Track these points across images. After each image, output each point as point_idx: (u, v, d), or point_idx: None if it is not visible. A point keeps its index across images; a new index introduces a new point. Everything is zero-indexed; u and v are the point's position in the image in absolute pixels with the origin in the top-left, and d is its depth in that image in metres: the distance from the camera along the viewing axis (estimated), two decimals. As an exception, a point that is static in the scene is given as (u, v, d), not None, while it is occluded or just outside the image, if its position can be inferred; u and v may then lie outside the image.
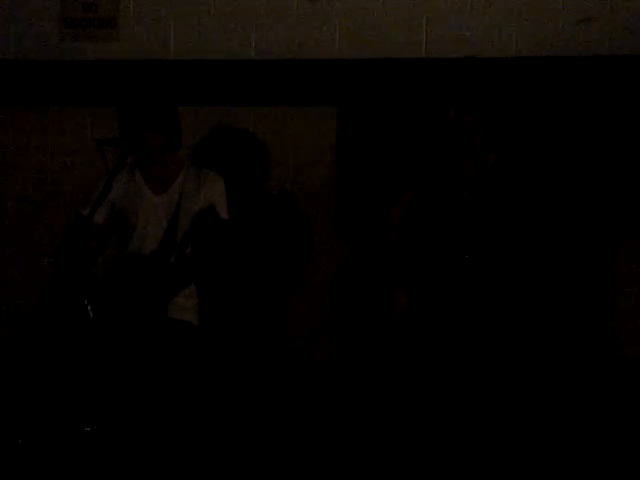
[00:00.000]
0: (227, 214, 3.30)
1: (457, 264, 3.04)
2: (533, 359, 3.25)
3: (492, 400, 2.99)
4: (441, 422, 3.00)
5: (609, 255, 3.73)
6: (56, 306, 3.21)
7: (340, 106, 4.00)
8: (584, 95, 3.75)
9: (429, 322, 3.04)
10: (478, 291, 3.02)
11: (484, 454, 3.00)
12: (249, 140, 4.01)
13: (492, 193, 3.11)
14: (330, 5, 4.01)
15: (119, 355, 3.14)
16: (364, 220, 3.88)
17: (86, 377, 3.13)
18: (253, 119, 4.06)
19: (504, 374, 3.04)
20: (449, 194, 3.15)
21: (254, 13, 4.05)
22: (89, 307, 3.07)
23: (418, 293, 3.09)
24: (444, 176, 3.19)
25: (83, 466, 3.09)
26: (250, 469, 3.46)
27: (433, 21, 3.92)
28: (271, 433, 3.64)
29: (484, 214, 3.08)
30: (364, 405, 3.27)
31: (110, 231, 3.38)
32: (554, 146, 3.64)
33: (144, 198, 3.34)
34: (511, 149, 3.20)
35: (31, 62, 4.16)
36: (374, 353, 3.15)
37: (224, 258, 3.07)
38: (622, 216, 3.66)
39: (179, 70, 4.06)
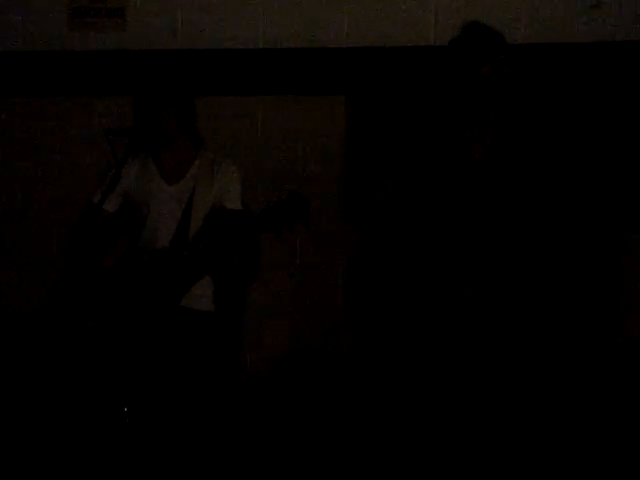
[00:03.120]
0: (240, 204, 3.29)
1: (469, 253, 2.99)
2: (543, 351, 3.23)
3: (504, 399, 2.96)
4: (450, 422, 2.97)
5: (617, 244, 3.72)
6: (66, 295, 3.20)
7: (349, 95, 3.98)
8: (593, 82, 3.74)
9: (443, 315, 2.99)
10: (498, 277, 2.97)
11: (493, 458, 2.97)
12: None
13: (499, 170, 3.03)
14: (338, -6, 4.00)
15: (131, 346, 3.13)
16: (372, 209, 3.87)
17: (99, 369, 3.13)
18: (262, 108, 4.06)
19: (517, 367, 3.01)
20: (455, 172, 3.05)
21: (262, 2, 4.04)
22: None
23: (432, 282, 3.03)
24: (449, 152, 3.08)
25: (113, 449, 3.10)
26: (261, 463, 3.46)
27: (442, 8, 3.91)
28: (281, 428, 3.65)
29: (493, 192, 3.00)
30: (375, 402, 3.26)
31: (123, 220, 3.37)
32: (562, 133, 3.62)
33: (157, 187, 3.32)
34: (519, 130, 3.12)
35: (39, 52, 4.15)
36: (391, 349, 3.11)
37: (237, 249, 3.06)
38: (630, 206, 3.65)
39: (187, 59, 4.04)
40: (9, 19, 4.16)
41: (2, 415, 3.55)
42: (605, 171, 3.64)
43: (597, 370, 3.53)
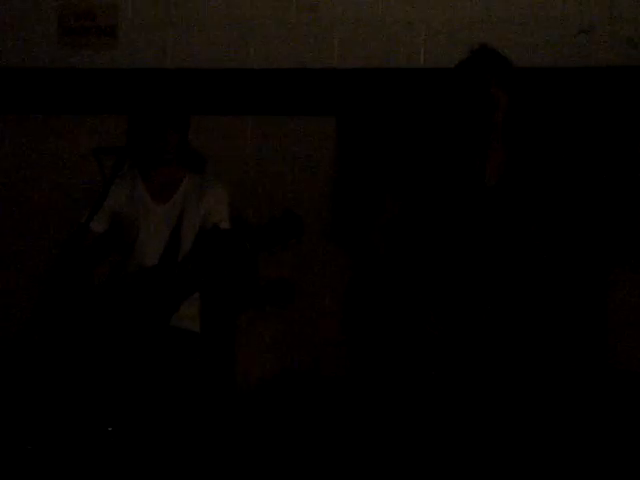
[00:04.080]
0: (229, 223, 3.29)
1: (479, 276, 2.94)
2: (535, 370, 3.22)
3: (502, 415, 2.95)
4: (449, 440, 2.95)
5: (609, 272, 3.72)
6: (53, 313, 3.19)
7: (339, 116, 3.98)
8: (583, 108, 3.75)
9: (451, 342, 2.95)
10: (506, 300, 2.93)
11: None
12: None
13: (504, 195, 2.99)
14: (329, 14, 4.00)
15: (121, 364, 3.12)
16: (361, 229, 3.87)
17: (89, 386, 3.11)
18: (252, 128, 4.05)
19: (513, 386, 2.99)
20: (463, 195, 3.00)
21: (253, 22, 4.04)
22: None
23: (439, 310, 2.99)
24: (460, 177, 3.03)
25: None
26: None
27: (432, 31, 3.92)
28: (270, 448, 3.63)
29: (503, 215, 2.96)
30: (372, 423, 3.25)
31: (112, 241, 3.36)
32: (552, 159, 3.62)
33: (146, 207, 3.32)
34: (528, 156, 3.08)
35: (29, 70, 4.14)
36: (390, 367, 3.10)
37: (226, 268, 3.06)
38: (622, 234, 3.65)
39: (177, 79, 4.04)
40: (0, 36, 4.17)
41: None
42: (595, 202, 3.64)
43: (583, 397, 3.53)
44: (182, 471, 3.16)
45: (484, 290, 2.96)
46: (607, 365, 3.69)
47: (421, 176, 3.09)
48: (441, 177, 3.05)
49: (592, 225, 3.12)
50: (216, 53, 4.06)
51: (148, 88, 3.93)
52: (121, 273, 3.27)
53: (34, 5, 4.16)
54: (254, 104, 4.04)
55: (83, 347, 3.16)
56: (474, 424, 2.91)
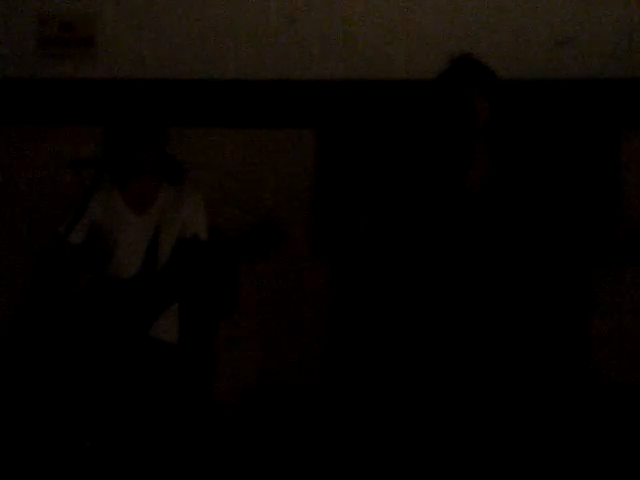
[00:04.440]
0: (207, 234, 3.28)
1: (460, 281, 2.93)
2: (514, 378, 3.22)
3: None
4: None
5: (589, 279, 3.74)
6: (31, 324, 3.17)
7: (319, 128, 3.99)
8: (559, 120, 3.77)
9: (431, 345, 2.95)
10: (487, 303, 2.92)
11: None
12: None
13: (488, 202, 2.99)
14: (309, 26, 4.01)
15: (99, 377, 3.09)
16: (343, 243, 3.87)
17: (67, 398, 3.09)
18: (231, 140, 4.05)
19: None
20: (446, 204, 3.00)
21: (233, 33, 4.05)
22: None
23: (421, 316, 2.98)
24: (440, 183, 3.03)
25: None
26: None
27: (413, 42, 3.93)
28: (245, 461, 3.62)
29: (484, 225, 2.98)
30: (355, 430, 3.23)
31: (89, 251, 3.35)
32: (532, 166, 3.62)
33: (123, 218, 3.31)
34: (510, 164, 3.09)
35: (8, 80, 4.12)
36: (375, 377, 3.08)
37: (204, 279, 3.05)
38: (599, 242, 3.67)
39: (156, 89, 4.03)
40: (-23, 46, 4.15)
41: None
42: (575, 206, 3.66)
43: (566, 406, 3.54)
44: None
45: (468, 295, 2.96)
46: (591, 376, 3.70)
47: (402, 186, 3.09)
48: (422, 186, 3.05)
49: (568, 230, 3.12)
50: (195, 64, 4.06)
51: (127, 99, 3.92)
52: (98, 284, 3.25)
53: (13, 15, 4.15)
54: (233, 116, 4.03)
55: (61, 358, 3.14)
56: (458, 431, 2.91)
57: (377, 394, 3.05)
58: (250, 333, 3.99)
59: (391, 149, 3.87)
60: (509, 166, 3.06)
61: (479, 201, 2.98)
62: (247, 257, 3.01)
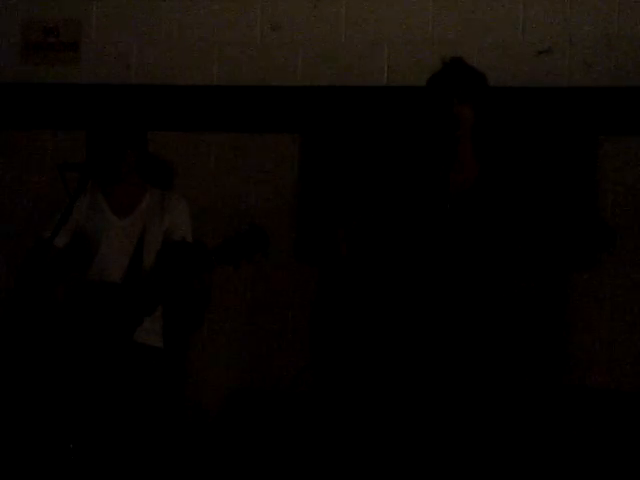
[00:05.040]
0: (191, 238, 3.29)
1: (444, 283, 2.94)
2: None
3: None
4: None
5: (567, 283, 3.78)
6: (15, 328, 3.17)
7: (303, 134, 4.01)
8: (540, 128, 3.82)
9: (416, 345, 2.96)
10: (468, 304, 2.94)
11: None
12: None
13: (475, 205, 2.99)
14: (293, 33, 4.04)
15: (83, 380, 3.10)
16: (325, 248, 3.89)
17: (50, 401, 3.09)
18: (215, 145, 4.06)
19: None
20: (430, 207, 3.00)
21: (217, 39, 4.07)
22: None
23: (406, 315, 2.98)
24: (424, 186, 3.04)
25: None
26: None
27: (395, 50, 3.97)
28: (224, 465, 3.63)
29: (469, 227, 2.96)
30: (338, 435, 3.25)
31: (73, 255, 3.35)
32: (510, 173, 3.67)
33: (107, 222, 3.31)
34: (491, 162, 3.12)
35: (-9, 84, 4.13)
36: (356, 378, 3.10)
37: (189, 282, 3.07)
38: (577, 245, 3.71)
39: (140, 94, 4.04)
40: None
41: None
42: (553, 209, 3.70)
43: (539, 410, 3.57)
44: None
45: (452, 295, 2.98)
46: (565, 380, 3.74)
47: (386, 190, 3.12)
48: (405, 190, 3.08)
49: (545, 232, 3.16)
50: (180, 69, 4.08)
51: (111, 104, 3.94)
52: (83, 287, 3.26)
53: (-3, 20, 4.15)
54: (218, 121, 4.05)
55: (45, 361, 3.14)
56: (445, 431, 2.93)
57: (362, 396, 3.07)
58: (234, 337, 4.00)
59: (375, 155, 3.91)
60: (494, 168, 3.09)
61: (464, 202, 3.01)
62: (233, 260, 3.03)
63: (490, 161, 3.09)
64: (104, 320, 3.14)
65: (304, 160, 4.02)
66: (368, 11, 3.98)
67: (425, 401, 2.94)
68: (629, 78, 3.79)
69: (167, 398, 3.24)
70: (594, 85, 3.82)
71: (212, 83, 4.06)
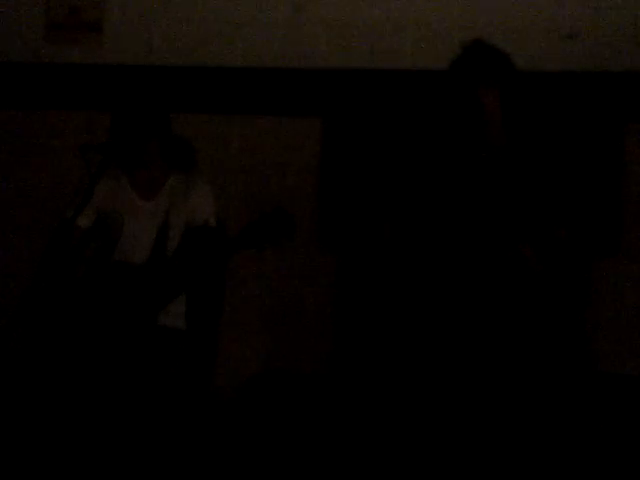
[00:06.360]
0: (215, 221, 3.28)
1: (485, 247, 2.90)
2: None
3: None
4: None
5: (591, 269, 3.76)
6: (38, 310, 3.17)
7: (325, 117, 3.99)
8: (566, 112, 3.78)
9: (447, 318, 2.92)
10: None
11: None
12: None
13: (507, 174, 2.95)
14: (315, 15, 4.01)
15: (107, 363, 3.10)
16: (349, 234, 3.88)
17: (73, 384, 3.09)
18: (237, 128, 4.05)
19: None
20: (461, 186, 2.96)
21: (240, 21, 4.05)
22: None
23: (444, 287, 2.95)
24: (453, 171, 3.00)
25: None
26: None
27: (419, 32, 3.94)
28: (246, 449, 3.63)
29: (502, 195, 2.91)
30: (360, 419, 3.25)
31: (97, 236, 3.35)
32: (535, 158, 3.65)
33: (132, 204, 3.31)
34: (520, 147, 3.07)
35: (15, 64, 4.12)
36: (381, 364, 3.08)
37: (213, 266, 3.06)
38: (602, 231, 3.69)
39: (162, 76, 4.03)
40: (-15, 31, 4.14)
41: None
42: (580, 197, 3.67)
43: (567, 398, 3.55)
44: (165, 470, 3.15)
45: (480, 287, 2.96)
46: (592, 367, 3.72)
47: (410, 175, 3.09)
48: (430, 175, 3.05)
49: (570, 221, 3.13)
50: (202, 50, 4.06)
51: (133, 85, 3.92)
52: (105, 270, 3.26)
53: (20, 0, 4.14)
54: (239, 103, 4.04)
55: (67, 344, 3.14)
56: (461, 422, 2.92)
57: (381, 384, 3.06)
58: (255, 322, 4.01)
59: (397, 139, 3.89)
60: (523, 153, 3.06)
61: (496, 174, 2.96)
62: (256, 244, 3.01)
63: (519, 144, 3.06)
64: (127, 302, 3.14)
65: (326, 143, 4.00)
66: (392, -7, 3.95)
67: (447, 388, 2.93)
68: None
69: (191, 381, 3.24)
70: (620, 70, 3.78)
71: (234, 65, 4.04)
